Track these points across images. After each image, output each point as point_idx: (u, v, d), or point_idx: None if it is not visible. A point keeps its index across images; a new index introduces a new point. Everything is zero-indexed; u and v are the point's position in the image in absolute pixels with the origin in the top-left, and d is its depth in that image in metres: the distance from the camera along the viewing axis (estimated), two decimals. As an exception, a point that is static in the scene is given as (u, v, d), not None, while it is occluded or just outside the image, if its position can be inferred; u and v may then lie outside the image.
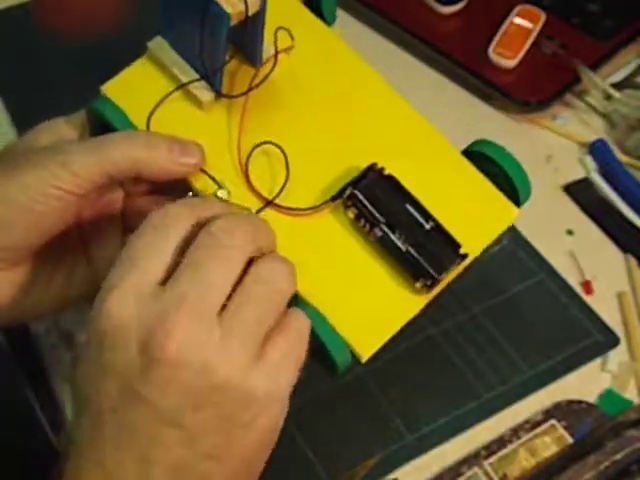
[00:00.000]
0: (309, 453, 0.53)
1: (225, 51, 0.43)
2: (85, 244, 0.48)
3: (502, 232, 0.45)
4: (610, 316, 0.60)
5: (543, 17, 0.75)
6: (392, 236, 0.42)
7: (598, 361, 0.58)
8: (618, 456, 0.51)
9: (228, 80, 0.46)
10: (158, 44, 0.46)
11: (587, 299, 0.61)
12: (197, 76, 0.45)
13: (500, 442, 0.53)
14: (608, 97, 0.72)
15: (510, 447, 0.53)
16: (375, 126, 0.46)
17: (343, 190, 0.43)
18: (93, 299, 0.38)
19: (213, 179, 0.43)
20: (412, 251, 0.42)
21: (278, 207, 0.43)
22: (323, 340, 0.41)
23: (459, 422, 0.54)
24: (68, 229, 0.45)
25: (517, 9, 0.75)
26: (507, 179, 0.45)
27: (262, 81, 0.45)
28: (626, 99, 0.71)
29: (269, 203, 0.43)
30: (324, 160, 0.45)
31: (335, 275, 0.43)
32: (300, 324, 0.39)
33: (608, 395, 0.56)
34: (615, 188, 0.67)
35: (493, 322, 0.59)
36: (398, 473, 0.52)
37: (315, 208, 0.44)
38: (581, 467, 0.51)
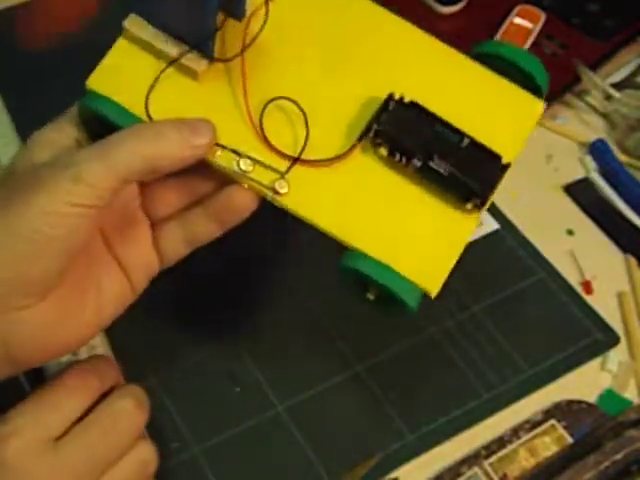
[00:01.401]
0: (309, 453, 0.53)
1: (216, 13, 0.41)
2: (112, 250, 0.44)
3: (531, 131, 0.44)
4: (610, 316, 0.60)
5: (543, 17, 0.75)
6: (431, 163, 0.40)
7: (598, 361, 0.58)
8: (618, 456, 0.51)
9: (218, 45, 0.43)
10: (134, 22, 0.43)
11: (587, 299, 0.61)
12: (185, 47, 0.42)
13: (500, 442, 0.53)
14: (608, 97, 0.72)
15: (510, 447, 0.53)
16: (381, 55, 0.44)
17: (368, 129, 0.42)
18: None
19: (232, 151, 0.41)
20: (456, 173, 0.40)
21: (305, 162, 0.42)
22: (389, 287, 0.40)
23: (459, 422, 0.54)
24: (91, 243, 0.42)
25: (517, 9, 0.75)
26: (522, 74, 0.44)
27: (256, 36, 0.42)
28: (626, 99, 0.71)
29: (296, 160, 0.42)
30: (339, 103, 0.43)
31: (382, 217, 0.42)
32: (144, 455, 0.43)
33: (608, 395, 0.56)
34: (615, 188, 0.67)
35: (493, 321, 0.59)
36: (398, 473, 0.52)
37: (344, 155, 0.42)
38: (581, 467, 0.51)
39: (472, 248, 0.64)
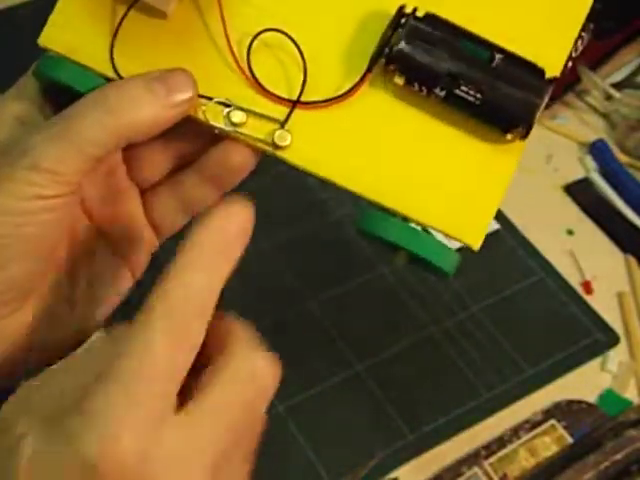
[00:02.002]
0: (309, 453, 0.53)
1: None
2: (101, 230, 0.39)
3: (581, 30, 0.36)
4: (610, 316, 0.60)
5: (543, 17, 0.75)
6: (458, 90, 0.33)
7: (598, 361, 0.58)
8: (618, 456, 0.51)
9: None
10: None
11: (587, 299, 0.61)
12: None
13: (500, 442, 0.53)
14: (608, 97, 0.72)
15: (510, 447, 0.53)
16: None
17: (377, 54, 0.34)
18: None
19: (219, 102, 0.35)
20: (491, 97, 0.33)
21: (307, 105, 0.35)
22: (419, 254, 0.34)
23: (459, 422, 0.54)
24: (74, 229, 0.37)
25: (517, 9, 0.75)
26: None
27: None
28: (626, 99, 0.71)
29: (296, 104, 0.35)
30: (338, 27, 0.35)
31: (405, 162, 0.35)
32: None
33: (608, 395, 0.56)
34: (615, 188, 0.67)
35: (493, 321, 0.59)
36: (398, 473, 0.52)
37: (353, 90, 0.35)
38: (581, 467, 0.51)
39: (472, 248, 0.65)
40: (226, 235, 0.29)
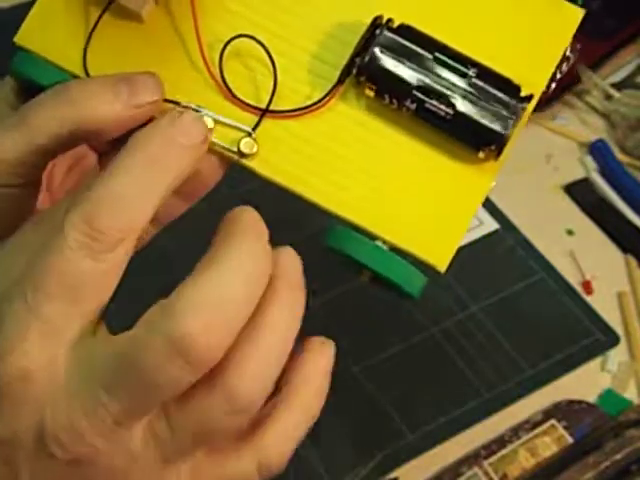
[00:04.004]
0: (309, 453, 0.53)
1: None
2: None
3: (565, 50, 0.35)
4: (610, 316, 0.60)
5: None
6: (430, 102, 0.32)
7: (598, 361, 0.58)
8: (618, 456, 0.51)
9: None
10: None
11: (587, 299, 0.61)
12: None
13: (500, 442, 0.53)
14: (608, 97, 0.72)
15: (510, 447, 0.53)
16: None
17: (350, 65, 0.33)
18: None
19: (187, 107, 0.34)
20: (463, 112, 0.32)
21: (276, 114, 0.34)
22: (386, 276, 0.33)
23: (459, 422, 0.54)
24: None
25: (517, 9, 0.75)
26: None
27: None
28: (626, 99, 0.71)
29: (265, 112, 0.34)
30: (311, 35, 0.35)
31: (373, 176, 0.34)
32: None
33: (608, 395, 0.56)
34: (615, 188, 0.67)
35: (493, 321, 0.59)
36: (398, 472, 0.52)
37: (323, 100, 0.34)
38: (581, 467, 0.51)
39: (472, 248, 0.65)
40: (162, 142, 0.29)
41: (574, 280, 0.62)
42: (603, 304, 0.60)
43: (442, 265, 0.33)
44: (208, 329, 0.26)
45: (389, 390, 0.55)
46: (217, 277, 0.27)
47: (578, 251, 0.64)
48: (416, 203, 0.34)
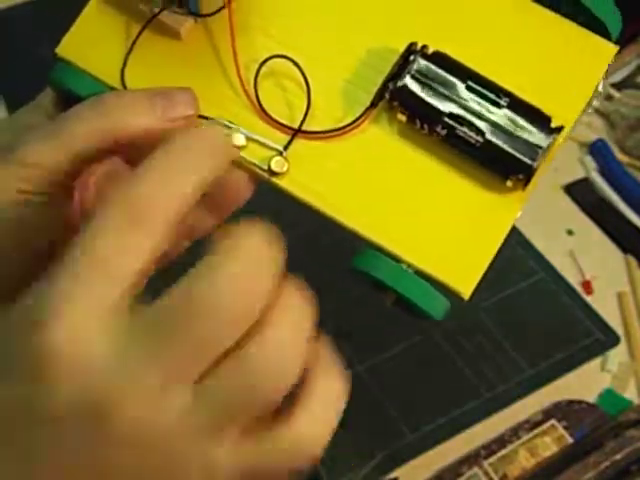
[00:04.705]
0: (309, 453, 0.53)
1: None
2: None
3: (597, 84, 0.35)
4: (610, 316, 0.60)
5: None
6: (461, 129, 0.33)
7: (598, 361, 0.58)
8: (618, 456, 0.51)
9: (203, 0, 0.36)
10: None
11: (587, 299, 0.61)
12: (164, 3, 0.36)
13: (500, 442, 0.53)
14: (608, 97, 0.72)
15: (510, 447, 0.53)
16: None
17: (383, 89, 0.34)
18: None
19: (221, 123, 0.35)
20: (492, 140, 0.32)
21: (308, 134, 0.35)
22: (409, 298, 0.33)
23: (459, 421, 0.54)
24: (69, 234, 0.36)
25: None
26: (584, 12, 0.36)
27: None
28: (626, 99, 0.71)
29: (297, 132, 0.34)
30: (346, 59, 0.35)
31: (401, 200, 0.34)
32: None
33: (608, 395, 0.56)
34: (615, 188, 0.67)
35: (493, 321, 0.59)
36: (398, 472, 0.52)
37: (355, 123, 0.34)
38: (581, 467, 0.51)
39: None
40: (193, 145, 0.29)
41: (574, 280, 0.62)
42: (603, 304, 0.60)
43: (467, 292, 0.34)
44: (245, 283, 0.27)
45: (389, 390, 0.55)
46: (245, 239, 0.28)
47: (578, 251, 0.64)
48: (443, 228, 0.34)
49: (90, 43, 0.37)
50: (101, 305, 0.26)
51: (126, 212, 0.27)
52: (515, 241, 0.63)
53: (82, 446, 0.26)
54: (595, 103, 0.73)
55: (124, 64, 0.36)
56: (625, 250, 0.64)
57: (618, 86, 0.73)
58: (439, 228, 0.34)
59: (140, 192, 0.27)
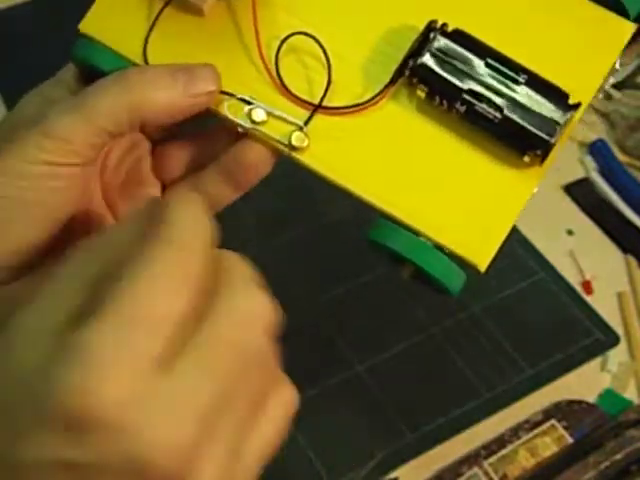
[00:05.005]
0: (309, 453, 0.53)
1: None
2: (116, 219, 0.39)
3: (614, 62, 0.36)
4: (610, 316, 0.60)
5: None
6: (480, 105, 0.33)
7: (598, 361, 0.58)
8: (618, 456, 0.51)
9: None
10: None
11: (587, 299, 0.61)
12: None
13: (500, 442, 0.53)
14: (608, 97, 0.72)
15: (510, 447, 0.53)
16: None
17: (403, 66, 0.34)
18: None
19: (242, 99, 0.35)
20: (511, 116, 0.33)
21: (328, 110, 0.35)
22: (425, 269, 0.34)
23: (459, 421, 0.54)
24: (88, 207, 0.37)
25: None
26: None
27: None
28: (626, 99, 0.71)
29: (317, 108, 0.35)
30: (366, 36, 0.36)
31: (419, 175, 0.35)
32: (287, 394, 0.30)
33: (608, 395, 0.56)
34: (615, 188, 0.67)
35: (493, 321, 0.59)
36: (398, 472, 0.52)
37: (375, 99, 0.35)
38: (581, 467, 0.51)
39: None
40: None
41: (574, 280, 0.62)
42: (603, 304, 0.60)
43: (483, 264, 0.34)
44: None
45: (389, 390, 0.55)
46: None
47: (578, 251, 0.64)
48: (461, 203, 0.34)
49: (112, 19, 0.37)
50: (144, 363, 0.25)
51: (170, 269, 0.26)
52: (515, 241, 0.63)
53: None
54: (595, 103, 0.73)
55: (146, 40, 0.36)
56: (625, 250, 0.64)
57: (618, 86, 0.73)
58: (457, 202, 0.34)
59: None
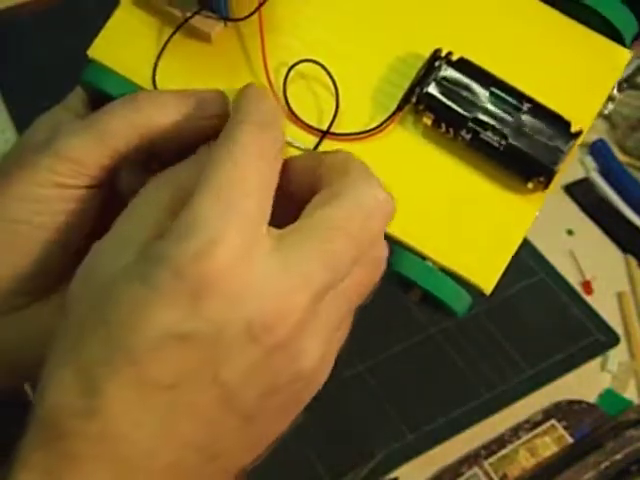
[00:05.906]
0: (309, 453, 0.53)
1: None
2: None
3: (612, 89, 0.37)
4: (610, 316, 0.60)
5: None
6: (485, 133, 0.34)
7: (598, 361, 0.58)
8: (618, 456, 0.51)
9: (233, 4, 0.37)
10: None
11: (587, 299, 0.61)
12: (195, 7, 0.36)
13: (500, 442, 0.53)
14: (608, 97, 0.72)
15: (510, 447, 0.53)
16: (423, 4, 0.37)
17: (409, 94, 0.35)
18: None
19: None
20: (515, 144, 0.34)
21: (337, 136, 0.36)
22: (435, 294, 0.35)
23: (459, 422, 0.54)
24: (104, 229, 0.36)
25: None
26: (597, 18, 0.36)
27: None
28: (626, 99, 0.71)
29: (326, 134, 0.35)
30: (373, 64, 0.37)
31: (425, 201, 0.36)
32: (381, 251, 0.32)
33: (608, 395, 0.56)
34: (615, 188, 0.67)
35: (493, 321, 0.59)
36: (398, 472, 0.52)
37: (382, 126, 0.35)
38: (581, 467, 0.51)
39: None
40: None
41: (574, 280, 0.62)
42: (603, 304, 0.60)
43: (488, 288, 0.35)
44: None
45: (389, 390, 0.55)
46: None
47: (578, 251, 0.64)
48: (466, 228, 0.35)
49: (121, 45, 0.37)
50: (255, 229, 0.27)
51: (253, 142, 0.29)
52: (515, 241, 0.64)
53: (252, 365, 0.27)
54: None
55: (155, 66, 0.37)
56: (625, 250, 0.64)
57: (618, 86, 0.73)
58: (462, 227, 0.35)
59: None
